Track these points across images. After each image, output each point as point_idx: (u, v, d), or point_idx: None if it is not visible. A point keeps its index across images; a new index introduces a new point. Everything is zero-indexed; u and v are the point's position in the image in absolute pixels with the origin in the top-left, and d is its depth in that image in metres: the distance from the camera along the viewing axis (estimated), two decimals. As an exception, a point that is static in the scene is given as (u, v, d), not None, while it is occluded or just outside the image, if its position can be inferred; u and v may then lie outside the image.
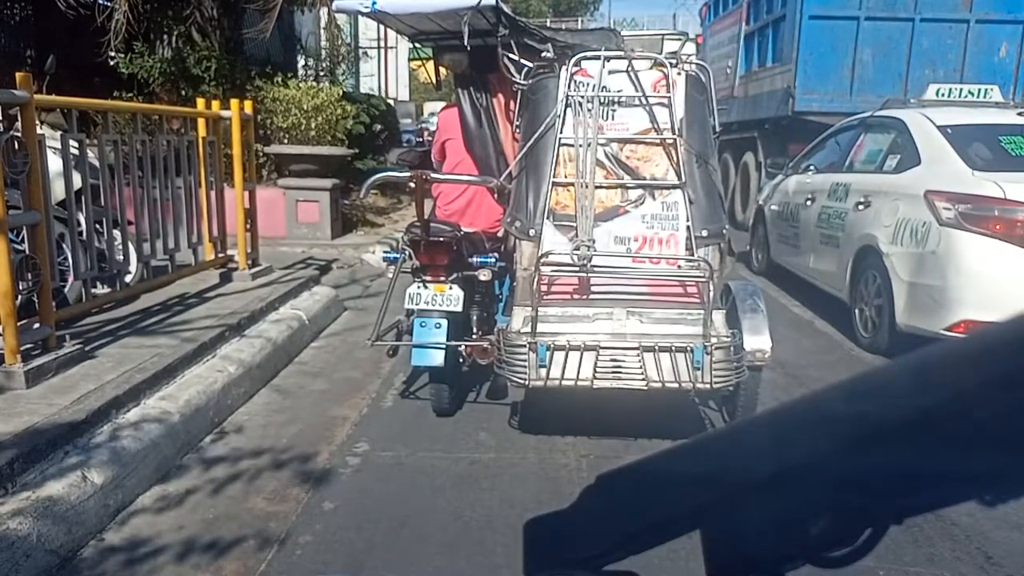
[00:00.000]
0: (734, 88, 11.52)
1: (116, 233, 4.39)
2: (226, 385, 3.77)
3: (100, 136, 4.44)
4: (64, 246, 4.06)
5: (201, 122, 5.38)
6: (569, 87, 3.37)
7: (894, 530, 0.41)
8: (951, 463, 0.36)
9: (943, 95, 6.90)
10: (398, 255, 3.72)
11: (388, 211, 10.68)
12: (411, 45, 4.95)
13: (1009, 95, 8.26)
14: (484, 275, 3.62)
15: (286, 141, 8.69)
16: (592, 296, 3.32)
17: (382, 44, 19.81)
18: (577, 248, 3.26)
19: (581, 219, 3.28)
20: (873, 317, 5.03)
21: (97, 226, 4.33)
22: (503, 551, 2.56)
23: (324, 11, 10.19)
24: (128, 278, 4.69)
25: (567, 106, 3.37)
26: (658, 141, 3.38)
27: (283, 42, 10.67)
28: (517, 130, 3.71)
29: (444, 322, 3.48)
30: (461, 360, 3.72)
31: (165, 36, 9.38)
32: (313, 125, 8.62)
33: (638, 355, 3.13)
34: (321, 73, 11.26)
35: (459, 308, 3.52)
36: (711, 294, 3.21)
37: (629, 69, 3.39)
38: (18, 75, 3.40)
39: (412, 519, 2.79)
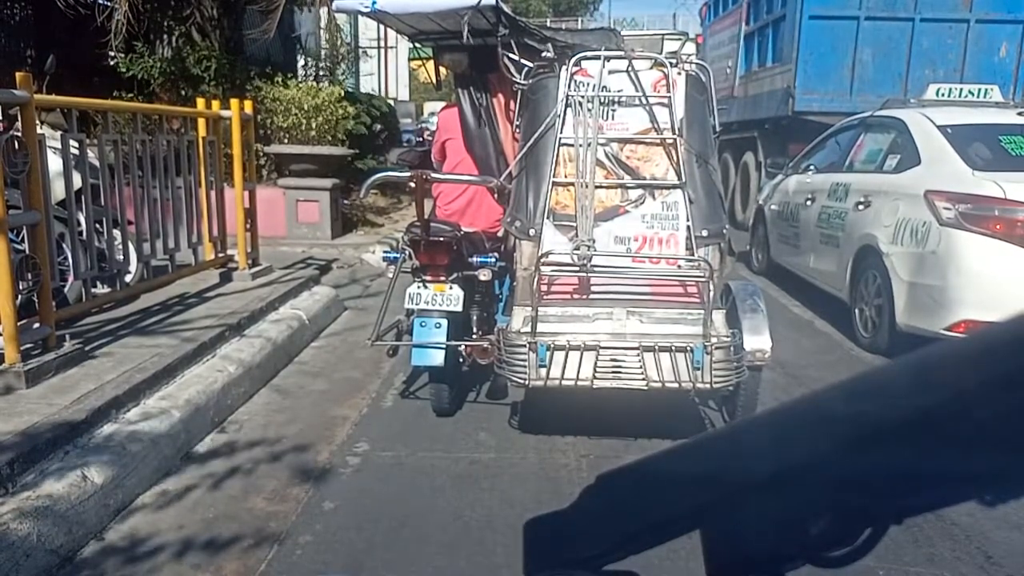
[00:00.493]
0: (734, 88, 11.52)
1: (116, 233, 4.39)
2: (226, 385, 3.77)
3: (100, 136, 4.44)
4: (64, 246, 4.06)
5: (201, 122, 5.38)
6: (569, 87, 3.37)
7: (894, 530, 0.41)
8: (951, 463, 0.36)
9: (943, 95, 6.90)
10: (398, 255, 3.72)
11: (388, 211, 10.69)
12: (411, 45, 4.95)
13: (1009, 95, 8.26)
14: (484, 275, 3.62)
15: (286, 141, 8.70)
16: (592, 296, 3.32)
17: (382, 44, 19.81)
18: (577, 248, 3.26)
19: (581, 219, 3.28)
20: (873, 317, 5.03)
21: (97, 226, 4.33)
22: (503, 551, 2.56)
23: (324, 11, 10.19)
24: (128, 278, 4.69)
25: (567, 106, 3.37)
26: (658, 141, 3.38)
27: (283, 42, 10.67)
28: (517, 130, 3.71)
29: (444, 322, 3.48)
30: (461, 360, 3.72)
31: (165, 36, 9.38)
32: (313, 125, 8.63)
33: (638, 355, 3.13)
34: (321, 73, 11.26)
35: (459, 308, 3.52)
36: (711, 294, 3.21)
37: (629, 69, 3.39)
38: (18, 75, 3.40)
39: (412, 519, 2.79)
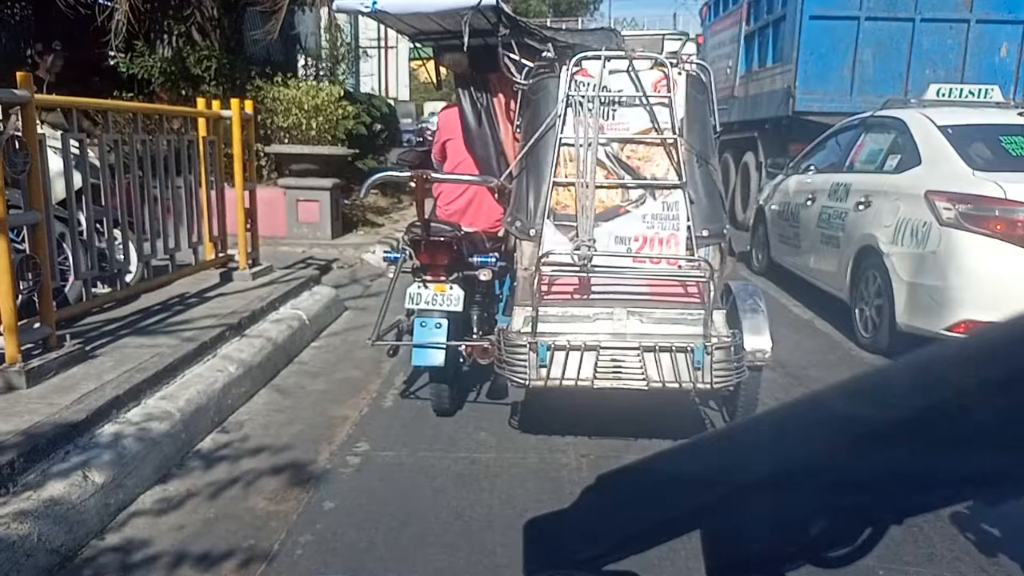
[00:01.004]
0: (734, 88, 11.52)
1: (116, 233, 4.39)
2: (226, 385, 3.77)
3: (100, 136, 4.44)
4: (64, 246, 4.06)
5: (201, 122, 5.38)
6: (569, 87, 3.37)
7: (894, 530, 0.41)
8: (951, 463, 0.36)
9: (943, 95, 6.89)
10: (398, 255, 3.72)
11: (388, 211, 10.68)
12: (411, 45, 4.95)
13: (1009, 95, 8.25)
14: (484, 275, 3.62)
15: (286, 141, 8.70)
16: (592, 296, 3.32)
17: (382, 44, 19.82)
18: (577, 248, 3.25)
19: (581, 219, 3.28)
20: (873, 317, 5.03)
21: (97, 226, 4.33)
22: (503, 551, 2.56)
23: (324, 11, 10.19)
24: (128, 278, 4.69)
25: (568, 106, 3.37)
26: (659, 141, 3.38)
27: (283, 42, 10.66)
28: (517, 130, 3.71)
29: (444, 322, 3.48)
30: (461, 360, 3.72)
31: (165, 36, 9.38)
32: (313, 125, 8.63)
33: (638, 355, 3.13)
34: (321, 73, 11.26)
35: (459, 308, 3.51)
36: (711, 294, 3.21)
37: (630, 69, 3.39)
38: (18, 75, 3.40)
39: (412, 519, 2.79)
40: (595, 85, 3.36)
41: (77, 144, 4.00)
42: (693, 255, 3.28)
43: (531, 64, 3.66)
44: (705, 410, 3.84)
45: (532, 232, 3.33)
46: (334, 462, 3.25)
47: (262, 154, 8.47)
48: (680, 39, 14.53)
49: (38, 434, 2.77)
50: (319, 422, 3.70)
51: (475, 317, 3.79)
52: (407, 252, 3.62)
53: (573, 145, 3.35)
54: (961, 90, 7.30)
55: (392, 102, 17.45)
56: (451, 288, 3.51)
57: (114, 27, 7.91)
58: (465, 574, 2.49)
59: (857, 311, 5.26)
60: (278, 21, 8.58)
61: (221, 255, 5.53)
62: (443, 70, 4.70)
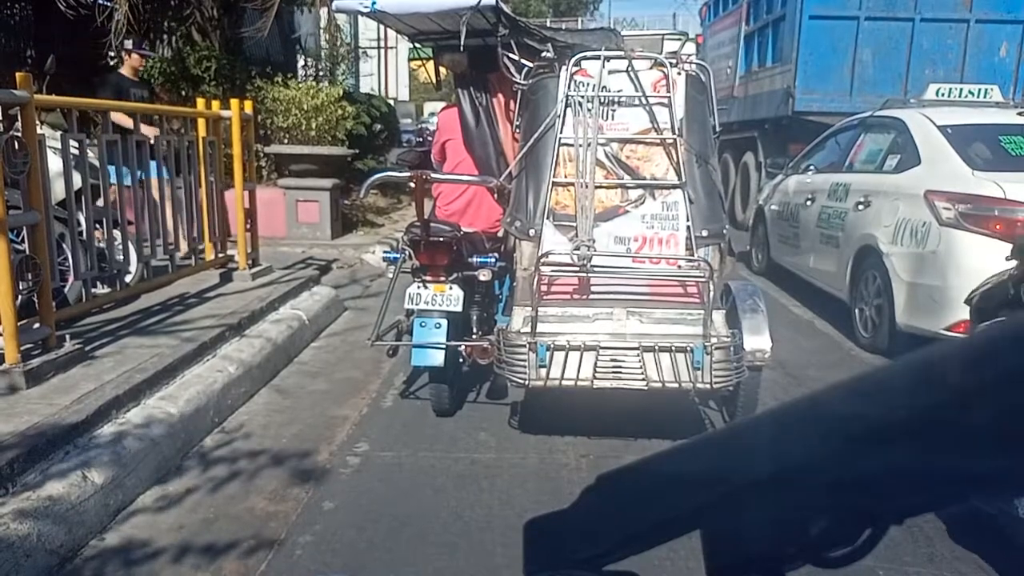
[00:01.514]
0: (734, 88, 11.52)
1: (116, 233, 4.39)
2: (226, 385, 3.77)
3: (100, 136, 4.44)
4: (64, 246, 4.06)
5: (201, 122, 5.38)
6: (569, 87, 3.37)
7: (894, 530, 0.41)
8: (951, 463, 0.36)
9: (943, 95, 6.89)
10: (398, 255, 3.72)
11: (388, 211, 10.68)
12: (411, 45, 4.95)
13: (1009, 95, 8.25)
14: (484, 275, 3.62)
15: (286, 141, 8.70)
16: (592, 296, 3.32)
17: (382, 44, 19.83)
18: (577, 248, 3.25)
19: (581, 219, 3.28)
20: (873, 317, 5.03)
21: (97, 226, 4.33)
22: (503, 551, 2.56)
23: (324, 11, 10.20)
24: (128, 278, 4.69)
25: (567, 106, 3.37)
26: (658, 141, 3.38)
27: (283, 42, 10.67)
28: (517, 130, 3.71)
29: (444, 322, 3.48)
30: (461, 360, 3.72)
31: (165, 36, 9.38)
32: (313, 125, 8.63)
33: (638, 355, 3.13)
34: (321, 73, 11.26)
35: (459, 308, 3.51)
36: (711, 294, 3.21)
37: (629, 69, 3.39)
38: (18, 75, 3.40)
39: (412, 519, 2.79)
40: (594, 85, 3.36)
41: (76, 144, 4.00)
42: (693, 255, 3.27)
43: (530, 64, 3.66)
44: (705, 410, 3.84)
45: (531, 232, 3.33)
46: (334, 462, 3.25)
47: (262, 154, 8.47)
48: (680, 39, 14.49)
49: (38, 434, 2.77)
50: (319, 422, 3.70)
51: (475, 317, 3.79)
52: (407, 252, 3.62)
53: (572, 145, 3.35)
54: (961, 90, 7.30)
55: (392, 102, 17.45)
56: (451, 288, 3.51)
57: (114, 27, 7.90)
58: (465, 574, 2.49)
59: (857, 311, 5.26)
60: (269, 18, 8.58)
61: (221, 255, 5.53)
62: (443, 70, 4.70)
